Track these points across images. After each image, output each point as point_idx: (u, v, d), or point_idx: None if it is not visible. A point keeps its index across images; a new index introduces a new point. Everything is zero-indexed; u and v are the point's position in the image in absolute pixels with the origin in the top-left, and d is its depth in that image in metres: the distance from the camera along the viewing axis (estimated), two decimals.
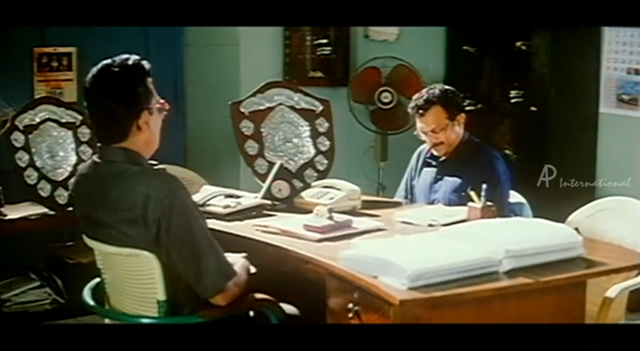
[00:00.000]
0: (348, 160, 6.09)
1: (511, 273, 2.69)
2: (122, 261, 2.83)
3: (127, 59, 2.83)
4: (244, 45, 5.84)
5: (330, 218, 3.34)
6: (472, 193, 3.41)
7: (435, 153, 4.11)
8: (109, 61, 2.84)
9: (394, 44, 6.10)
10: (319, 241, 3.21)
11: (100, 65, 2.85)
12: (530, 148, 5.35)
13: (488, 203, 3.36)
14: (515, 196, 4.14)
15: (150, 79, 2.88)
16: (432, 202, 4.03)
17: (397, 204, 4.11)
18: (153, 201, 2.68)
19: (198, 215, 2.76)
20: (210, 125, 5.86)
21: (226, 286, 2.74)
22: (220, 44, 5.87)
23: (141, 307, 2.84)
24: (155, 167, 3.84)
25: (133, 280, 2.83)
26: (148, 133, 2.85)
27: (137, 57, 2.87)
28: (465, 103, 5.54)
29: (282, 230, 3.34)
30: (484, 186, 3.37)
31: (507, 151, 5.40)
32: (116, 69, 2.80)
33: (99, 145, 2.89)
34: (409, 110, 4.13)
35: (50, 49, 5.23)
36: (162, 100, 2.94)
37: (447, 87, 4.16)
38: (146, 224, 2.69)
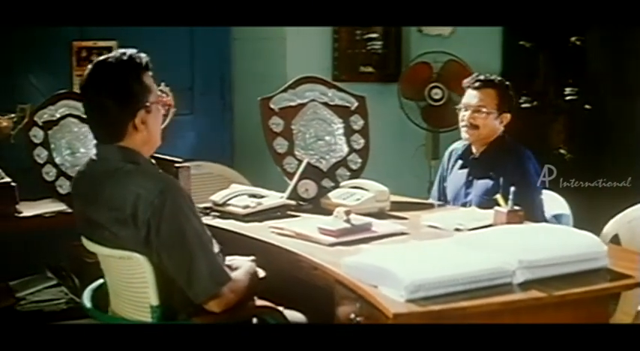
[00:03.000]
0: (399, 158, 5.94)
1: (524, 285, 2.48)
2: (116, 263, 2.71)
3: (123, 54, 2.68)
4: (291, 39, 5.69)
5: (348, 221, 3.16)
6: (499, 197, 3.21)
7: (465, 136, 3.92)
8: (104, 56, 2.71)
9: (449, 39, 5.88)
10: (332, 245, 3.04)
11: (95, 61, 2.72)
12: (584, 147, 5.09)
13: (516, 207, 3.15)
14: (561, 206, 3.90)
15: (149, 74, 2.72)
16: (464, 205, 3.83)
17: (431, 206, 3.93)
18: (143, 201, 2.55)
19: (192, 218, 2.61)
20: (257, 121, 5.72)
21: (220, 292, 2.59)
22: (267, 38, 5.73)
23: (136, 311, 2.72)
24: (178, 165, 3.78)
25: (127, 283, 2.71)
26: (146, 132, 2.70)
27: (133, 51, 2.70)
28: (520, 101, 5.40)
29: (297, 233, 3.19)
30: (512, 189, 3.17)
31: (561, 151, 5.16)
32: (110, 65, 2.66)
33: (95, 143, 2.77)
34: (464, 83, 3.98)
35: (90, 43, 5.18)
36: (163, 95, 2.78)
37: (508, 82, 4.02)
38: (135, 225, 2.56)
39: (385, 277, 2.43)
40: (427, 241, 2.92)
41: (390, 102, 5.79)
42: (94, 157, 2.76)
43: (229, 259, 2.93)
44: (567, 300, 2.47)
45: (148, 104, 2.69)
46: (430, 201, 4.10)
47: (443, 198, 4.08)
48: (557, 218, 3.82)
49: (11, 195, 3.52)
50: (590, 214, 3.83)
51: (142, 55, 2.71)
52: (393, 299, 2.35)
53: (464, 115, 3.89)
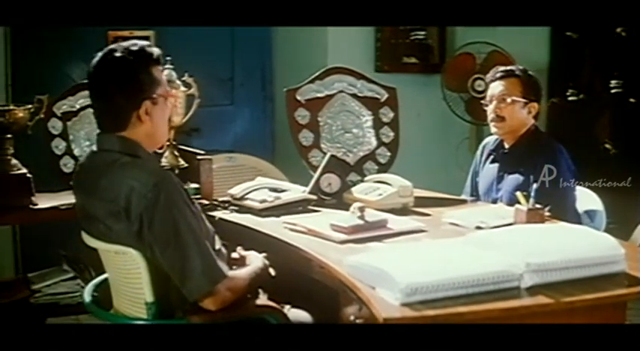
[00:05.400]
0: (443, 152, 5.81)
1: (532, 290, 2.33)
2: (113, 258, 2.65)
3: (134, 45, 2.64)
4: (333, 29, 5.57)
5: (361, 217, 3.04)
6: (519, 194, 3.06)
7: (494, 130, 3.77)
8: (114, 45, 2.67)
9: (495, 29, 5.69)
10: (343, 242, 2.93)
11: (105, 50, 2.66)
12: (629, 142, 4.88)
13: (537, 205, 3.00)
14: (594, 202, 3.73)
15: (159, 68, 2.69)
16: (495, 201, 3.68)
17: (462, 201, 3.77)
18: (137, 194, 2.48)
19: (187, 213, 2.52)
20: None
21: (215, 289, 2.49)
22: (308, 28, 5.62)
23: (133, 307, 2.65)
24: (200, 157, 3.69)
25: (124, 279, 2.65)
26: (150, 124, 2.65)
27: (145, 43, 2.67)
28: (567, 94, 5.23)
29: (309, 229, 3.08)
30: (534, 186, 3.03)
31: (606, 146, 4.96)
32: (119, 54, 2.61)
33: (98, 133, 2.71)
34: (487, 78, 3.89)
35: (126, 33, 5.05)
36: (172, 90, 2.73)
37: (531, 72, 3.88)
38: (128, 219, 2.50)
39: (382, 278, 2.31)
40: (436, 241, 2.79)
41: (434, 94, 5.66)
42: (95, 148, 2.71)
43: (245, 254, 2.88)
44: (578, 307, 2.31)
45: (154, 96, 2.64)
46: (463, 197, 3.96)
47: (475, 193, 3.93)
48: (590, 215, 3.65)
49: (27, 186, 3.46)
50: (630, 212, 3.66)
51: (155, 48, 2.68)
52: (388, 302, 2.23)
53: (490, 109, 3.74)
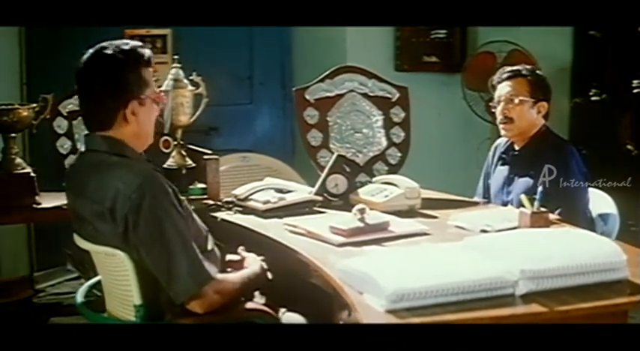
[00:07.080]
0: (463, 152, 5.72)
1: (526, 298, 2.24)
2: (103, 260, 2.63)
3: (125, 44, 2.61)
4: (352, 27, 5.49)
5: (362, 220, 2.97)
6: (523, 197, 2.97)
7: (503, 132, 3.70)
8: (106, 43, 2.63)
9: (518, 28, 5.57)
10: (342, 245, 2.85)
11: (96, 47, 2.63)
12: None
13: (542, 209, 2.91)
14: (608, 205, 3.62)
15: (149, 70, 2.65)
16: (505, 204, 3.59)
17: (472, 204, 3.68)
18: (122, 195, 2.44)
19: (173, 214, 2.47)
20: None
21: (201, 292, 2.44)
22: (328, 28, 5.55)
23: (123, 309, 2.61)
24: (206, 157, 3.64)
25: (114, 281, 2.62)
26: (136, 125, 2.61)
27: (137, 43, 2.64)
28: (590, 94, 5.12)
29: (308, 231, 3.01)
30: (539, 189, 2.93)
31: (628, 146, 4.85)
32: (109, 52, 2.58)
33: (86, 133, 2.67)
34: (494, 80, 3.77)
35: (143, 31, 5.04)
36: (160, 92, 2.68)
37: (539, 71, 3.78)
38: (114, 220, 2.46)
39: (369, 283, 2.23)
40: (433, 245, 2.70)
41: (455, 93, 5.58)
42: (83, 149, 2.67)
43: (245, 255, 2.85)
44: (575, 316, 2.21)
45: (142, 97, 2.60)
46: (475, 199, 3.87)
47: (487, 195, 3.85)
48: (604, 218, 3.55)
49: (30, 185, 3.45)
50: None
51: (147, 50, 2.64)
52: (373, 309, 2.16)
53: (498, 110, 3.65)
